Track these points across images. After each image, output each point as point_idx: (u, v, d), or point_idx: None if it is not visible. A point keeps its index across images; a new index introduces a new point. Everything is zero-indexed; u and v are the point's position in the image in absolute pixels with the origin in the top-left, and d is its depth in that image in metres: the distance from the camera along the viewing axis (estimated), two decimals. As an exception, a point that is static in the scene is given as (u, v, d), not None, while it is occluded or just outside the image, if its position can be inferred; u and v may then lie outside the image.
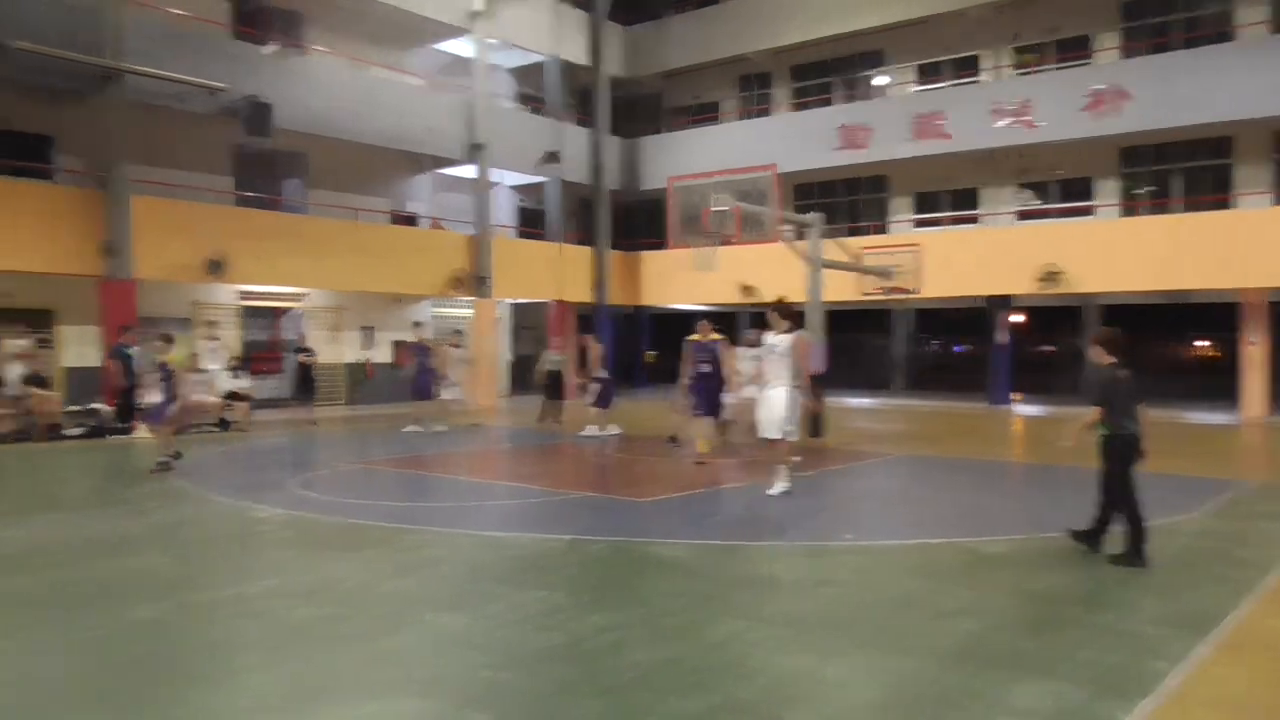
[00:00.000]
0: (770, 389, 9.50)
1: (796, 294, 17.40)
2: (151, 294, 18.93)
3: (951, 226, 25.95)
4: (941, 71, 26.13)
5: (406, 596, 5.89)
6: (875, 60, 27.13)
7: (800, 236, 18.05)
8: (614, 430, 15.70)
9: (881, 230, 26.46)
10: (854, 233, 26.11)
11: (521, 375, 29.25)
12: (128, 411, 16.17)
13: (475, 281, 24.41)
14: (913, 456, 13.55)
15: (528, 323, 30.27)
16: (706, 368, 11.92)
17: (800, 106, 28.12)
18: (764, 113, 28.63)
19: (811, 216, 16.62)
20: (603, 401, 15.82)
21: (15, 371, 15.73)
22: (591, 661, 4.66)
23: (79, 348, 18.48)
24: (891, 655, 4.75)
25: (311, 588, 6.09)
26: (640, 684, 4.32)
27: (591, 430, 15.58)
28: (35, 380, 15.80)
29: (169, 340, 12.27)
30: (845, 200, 27.90)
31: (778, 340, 9.52)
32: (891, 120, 24.89)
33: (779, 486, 9.43)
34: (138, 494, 9.97)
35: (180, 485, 10.40)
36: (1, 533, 7.84)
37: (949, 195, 26.38)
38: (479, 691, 4.28)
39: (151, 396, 12.41)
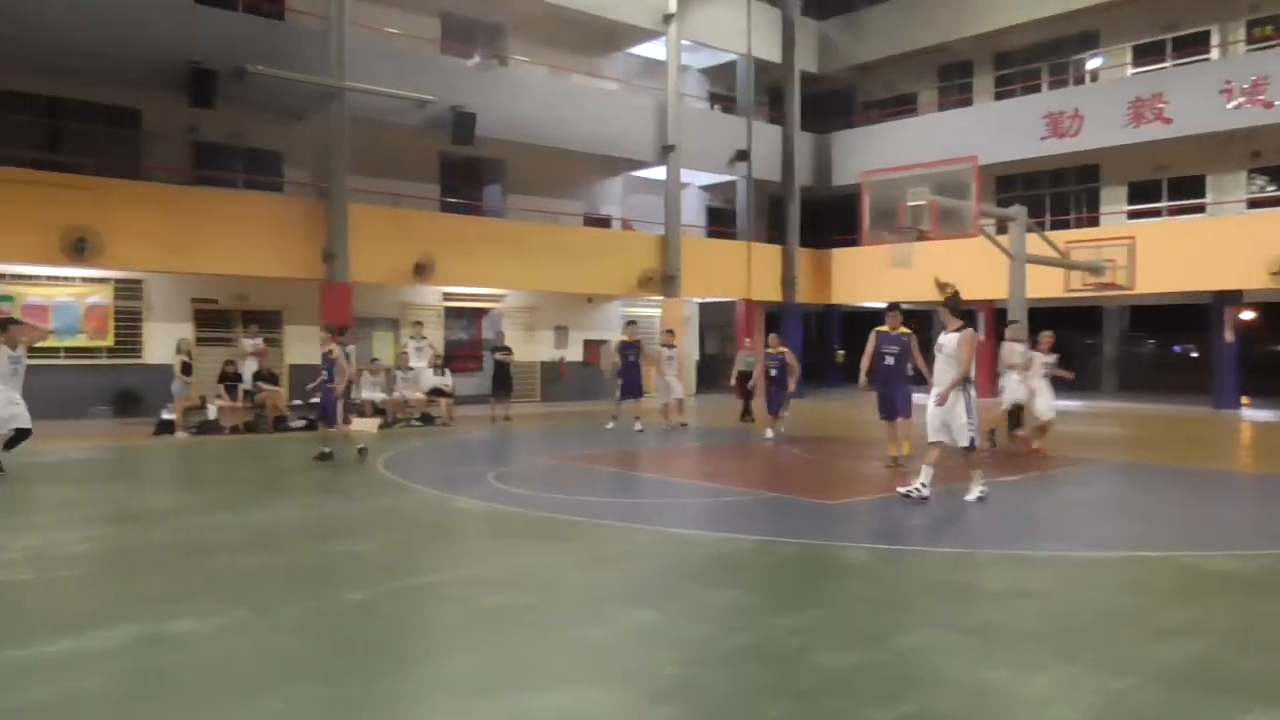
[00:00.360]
0: (938, 391, 9.01)
1: (998, 291, 16.67)
2: (364, 296, 20.26)
3: (1171, 217, 24.09)
4: (1162, 51, 24.29)
5: (597, 589, 6.04)
6: (1088, 42, 25.56)
7: (1002, 230, 17.25)
8: (779, 431, 15.18)
9: (1092, 223, 24.90)
10: (1061, 225, 24.74)
11: (709, 374, 29.40)
12: (345, 406, 17.37)
13: (664, 281, 24.71)
14: (1126, 463, 12.67)
15: (716, 322, 30.38)
16: (890, 360, 11.41)
17: (1004, 95, 26.84)
18: (964, 103, 27.54)
19: (1015, 209, 15.84)
20: (775, 406, 15.29)
21: (250, 368, 17.21)
22: (780, 663, 4.62)
23: (302, 346, 20.05)
24: (1100, 673, 4.45)
25: (508, 577, 6.33)
26: (830, 689, 4.25)
27: (770, 433, 15.24)
28: (266, 376, 17.21)
29: (331, 331, 12.83)
30: (1051, 192, 26.42)
31: (946, 339, 9.03)
32: (1105, 105, 23.37)
33: (974, 492, 9.01)
34: (350, 483, 10.68)
35: (387, 476, 11.07)
36: (235, 516, 8.60)
37: (1168, 183, 24.49)
38: (668, 686, 4.33)
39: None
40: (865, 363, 11.44)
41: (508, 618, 5.37)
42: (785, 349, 15.50)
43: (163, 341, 18.27)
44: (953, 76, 28.39)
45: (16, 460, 11.15)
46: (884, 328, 11.50)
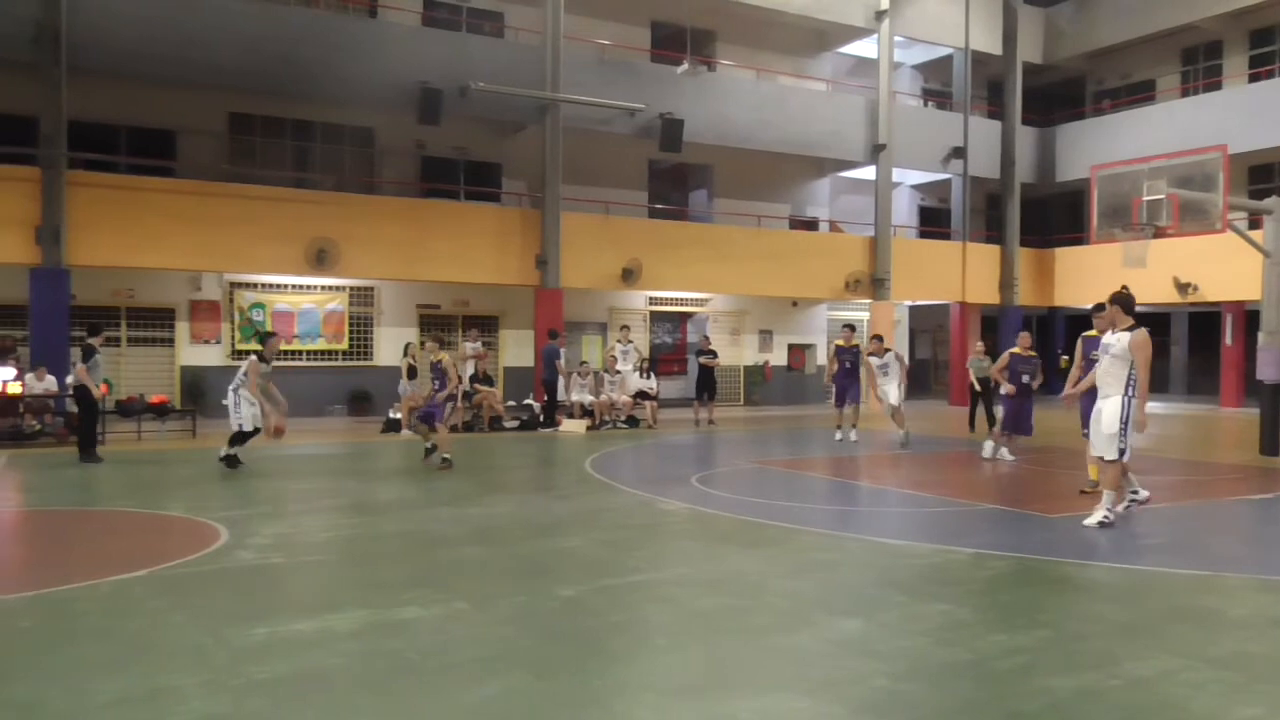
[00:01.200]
0: (1102, 399, 8.13)
1: (1250, 291, 15.21)
2: (574, 300, 20.92)
3: None
4: None
5: (803, 596, 5.94)
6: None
7: (1255, 225, 15.72)
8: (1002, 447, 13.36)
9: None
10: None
11: (920, 379, 28.42)
12: (554, 407, 18.00)
13: (873, 284, 24.10)
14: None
15: (926, 325, 29.35)
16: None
17: (1259, 76, 24.40)
18: (1211, 88, 25.22)
19: (1271, 202, 14.39)
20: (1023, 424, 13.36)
21: (469, 370, 18.13)
22: (998, 683, 4.38)
23: (517, 349, 20.96)
24: (1377, 721, 3.94)
25: (714, 579, 6.34)
26: (1053, 714, 3.98)
27: (991, 448, 13.47)
28: (483, 378, 18.07)
29: (440, 342, 12.59)
30: (1314, 181, 23.80)
31: (1114, 339, 8.06)
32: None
33: (1097, 514, 8.02)
34: (560, 483, 11.04)
35: (595, 476, 11.36)
36: (455, 511, 9.08)
37: None
38: (875, 699, 4.19)
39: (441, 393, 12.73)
40: (1075, 372, 10.07)
41: (713, 620, 5.37)
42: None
43: (391, 345, 19.59)
44: (1198, 59, 26.06)
45: (266, 454, 12.22)
46: (1092, 332, 10.03)
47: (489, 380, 18.31)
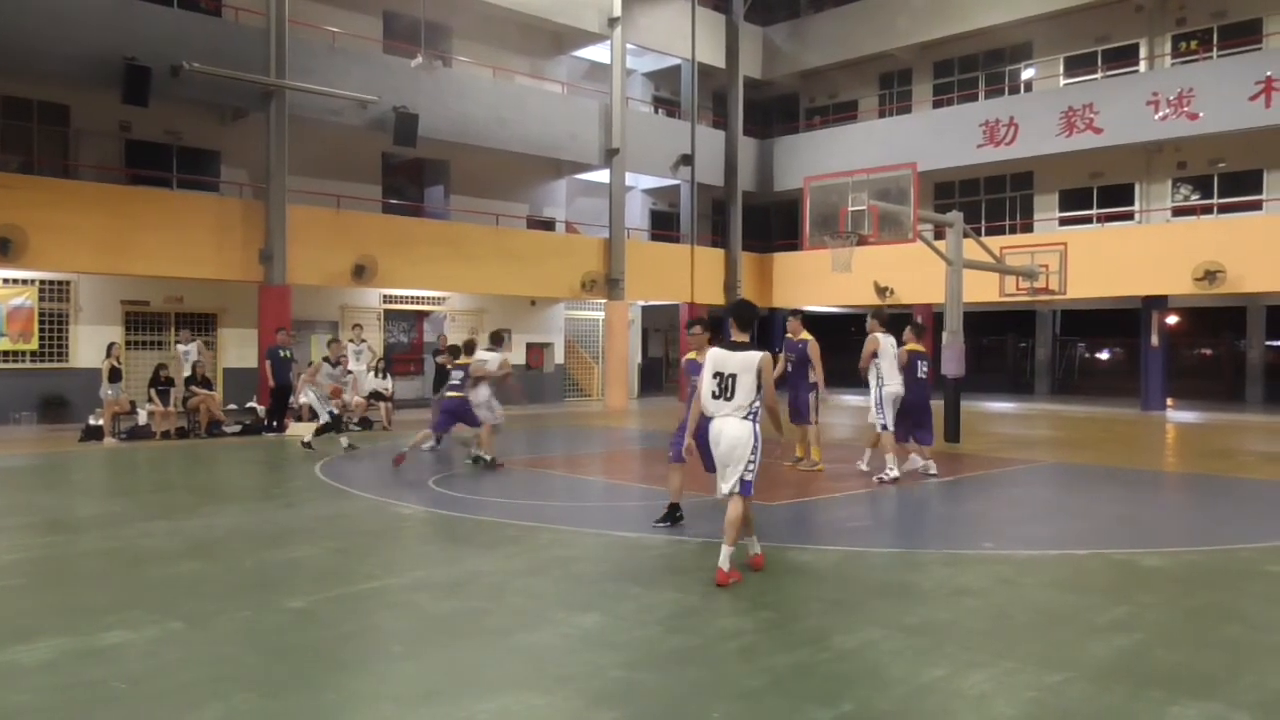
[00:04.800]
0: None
1: (936, 295, 16.98)
2: (303, 298, 19.94)
3: (1101, 224, 24.78)
4: (1093, 63, 24.97)
5: (541, 594, 6.01)
6: (1023, 53, 26.18)
7: (940, 236, 17.58)
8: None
9: (1027, 229, 25.51)
10: (997, 231, 25.29)
11: (653, 377, 29.48)
12: (280, 410, 16.98)
13: (608, 284, 24.71)
14: (1057, 464, 12.97)
15: (658, 325, 30.50)
16: (788, 366, 11.80)
17: (942, 103, 27.35)
18: (904, 110, 27.98)
19: (952, 215, 16.15)
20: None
21: (184, 372, 16.80)
22: (723, 664, 4.65)
23: (239, 349, 19.68)
24: (1035, 669, 4.55)
25: (452, 582, 6.27)
26: (773, 689, 4.29)
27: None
28: (200, 381, 16.81)
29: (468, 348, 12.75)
30: (987, 198, 27.01)
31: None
32: (1039, 115, 23.95)
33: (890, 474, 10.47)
34: (289, 489, 10.50)
35: (328, 482, 10.90)
36: (169, 524, 8.40)
37: (1099, 192, 25.19)
38: (611, 690, 4.33)
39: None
40: (780, 365, 11.54)
41: (452, 623, 5.32)
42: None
43: (91, 345, 17.77)
44: (893, 84, 28.85)
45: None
46: (789, 334, 12.07)
47: (208, 383, 17.04)
